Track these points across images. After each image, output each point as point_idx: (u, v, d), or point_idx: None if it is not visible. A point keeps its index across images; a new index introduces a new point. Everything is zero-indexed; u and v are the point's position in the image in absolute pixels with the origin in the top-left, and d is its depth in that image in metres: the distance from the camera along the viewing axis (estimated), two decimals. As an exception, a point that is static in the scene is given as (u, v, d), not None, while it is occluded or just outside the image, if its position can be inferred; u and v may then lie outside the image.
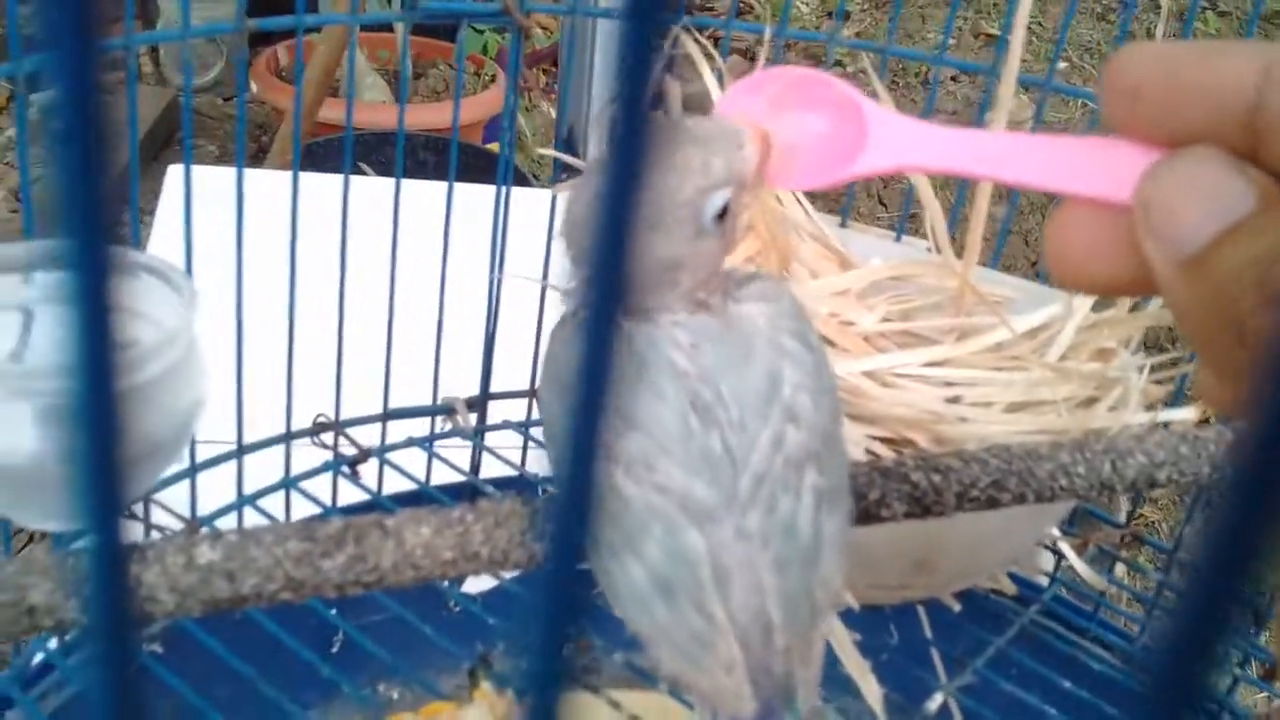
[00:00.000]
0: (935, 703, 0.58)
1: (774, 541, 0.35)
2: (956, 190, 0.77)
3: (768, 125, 0.35)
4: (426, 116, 2.06)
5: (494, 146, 2.19)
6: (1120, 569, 0.77)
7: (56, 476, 0.45)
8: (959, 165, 0.30)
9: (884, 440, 0.60)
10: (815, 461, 0.36)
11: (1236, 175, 0.21)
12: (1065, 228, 0.24)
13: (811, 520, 0.36)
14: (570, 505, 0.12)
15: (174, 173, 1.34)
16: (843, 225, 0.74)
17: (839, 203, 0.78)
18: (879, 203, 2.73)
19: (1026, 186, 0.27)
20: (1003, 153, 0.27)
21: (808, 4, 3.58)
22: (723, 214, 0.36)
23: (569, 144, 1.70)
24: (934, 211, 0.69)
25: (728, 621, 0.35)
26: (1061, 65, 2.86)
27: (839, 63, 3.32)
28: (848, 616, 0.59)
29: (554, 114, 2.49)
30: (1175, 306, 0.22)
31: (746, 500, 0.35)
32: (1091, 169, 0.24)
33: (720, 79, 0.69)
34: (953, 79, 3.19)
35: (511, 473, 0.74)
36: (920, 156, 0.31)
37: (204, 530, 0.64)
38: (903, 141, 0.31)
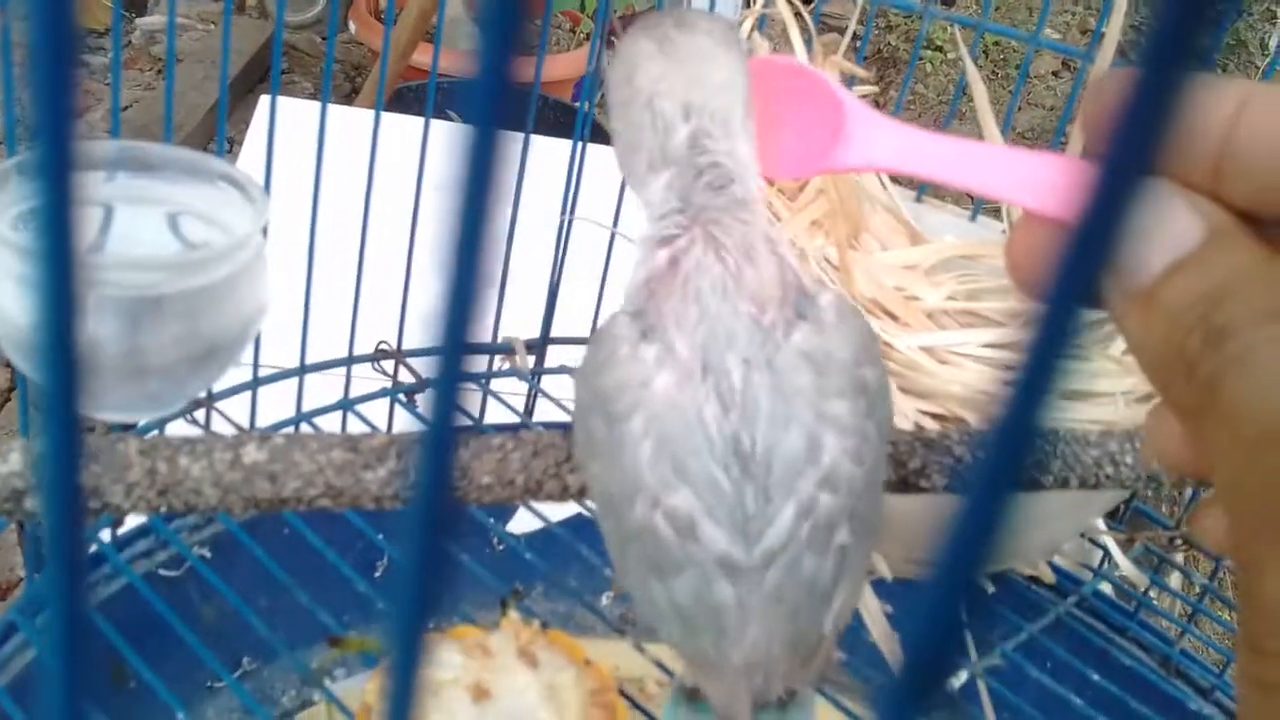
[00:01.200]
0: (959, 679, 0.58)
1: (789, 595, 0.35)
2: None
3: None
4: (519, 70, 2.06)
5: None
6: (1176, 578, 0.76)
7: (120, 366, 0.46)
8: (927, 170, 0.30)
9: (935, 416, 0.60)
10: (848, 519, 0.36)
11: (1186, 208, 0.21)
12: (1024, 239, 0.24)
13: (833, 575, 0.36)
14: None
15: (264, 103, 1.37)
16: (918, 199, 0.74)
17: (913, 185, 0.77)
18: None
19: (990, 196, 0.27)
20: (973, 161, 0.27)
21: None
22: None
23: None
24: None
25: (740, 662, 0.36)
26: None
27: (938, 47, 3.26)
28: (880, 587, 0.59)
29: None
30: (1128, 338, 0.22)
31: (763, 563, 0.35)
32: (1057, 186, 0.24)
33: (809, 44, 0.69)
34: (1054, 74, 3.13)
35: (565, 418, 0.75)
36: (891, 158, 0.31)
37: (250, 432, 0.65)
38: (878, 141, 0.32)
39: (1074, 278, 0.11)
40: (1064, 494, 0.51)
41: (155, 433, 0.59)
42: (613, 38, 0.71)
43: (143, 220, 0.51)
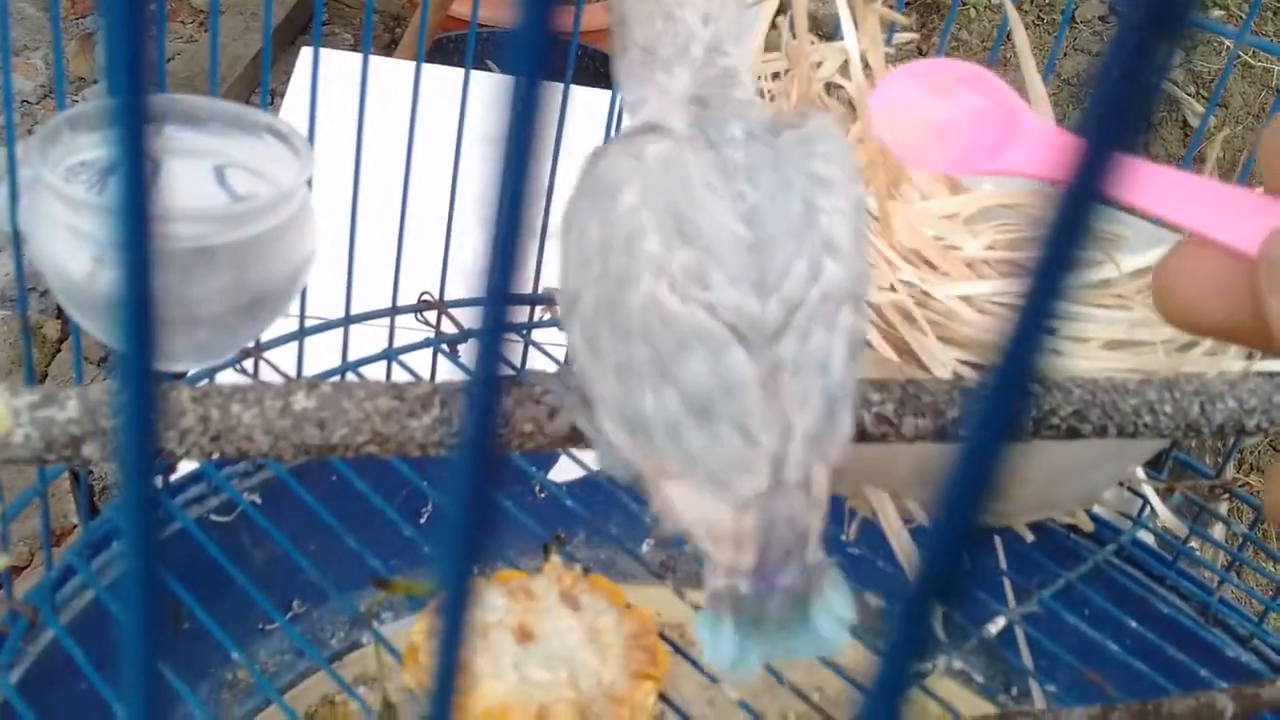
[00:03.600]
0: (997, 626, 0.59)
1: (805, 373, 0.33)
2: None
3: (924, 108, 0.36)
4: (561, 19, 2.06)
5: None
6: (1218, 528, 0.76)
7: (170, 316, 0.48)
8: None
9: (973, 365, 0.60)
10: (853, 304, 0.35)
11: None
12: (1178, 265, 0.24)
13: (844, 364, 0.34)
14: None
15: (305, 55, 1.37)
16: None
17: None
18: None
19: (1156, 217, 0.27)
20: (1139, 182, 0.27)
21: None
22: None
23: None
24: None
25: (775, 446, 0.33)
26: None
27: (971, 4, 3.19)
28: (918, 534, 0.59)
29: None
30: None
31: (778, 326, 0.33)
32: (1221, 213, 0.24)
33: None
34: (1100, 18, 3.08)
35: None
36: (1060, 169, 0.31)
37: (300, 380, 0.67)
38: (1048, 151, 0.32)
39: (1074, 224, 0.11)
40: (1102, 442, 0.51)
41: (206, 381, 0.60)
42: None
43: (191, 173, 0.52)
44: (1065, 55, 2.65)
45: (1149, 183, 0.28)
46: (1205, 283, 0.24)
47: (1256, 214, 0.24)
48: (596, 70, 1.83)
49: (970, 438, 0.12)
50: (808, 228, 0.34)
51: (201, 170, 0.52)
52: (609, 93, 0.73)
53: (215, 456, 0.45)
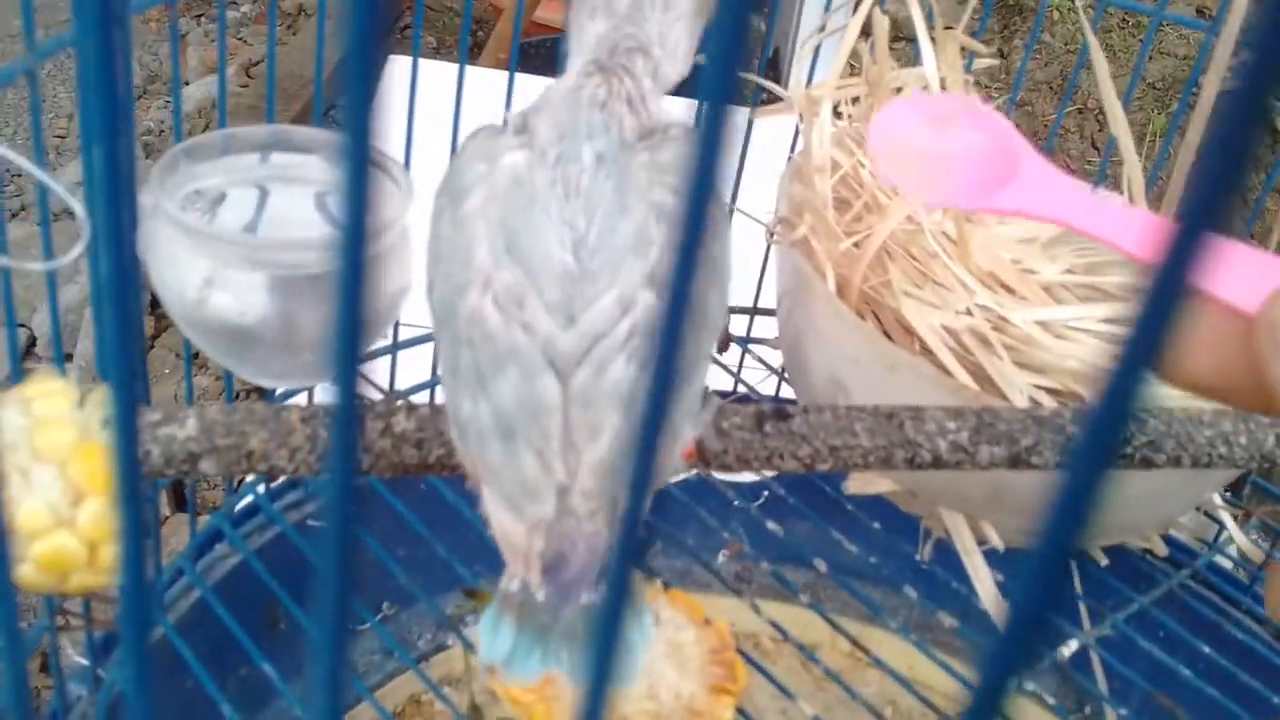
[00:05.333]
0: (1070, 649, 0.60)
1: (596, 406, 0.34)
2: (1161, 146, 0.75)
3: (923, 141, 0.37)
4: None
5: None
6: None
7: (275, 339, 0.50)
8: (1088, 227, 0.31)
9: (1050, 391, 0.61)
10: None
11: None
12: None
13: None
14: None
15: (399, 64, 1.41)
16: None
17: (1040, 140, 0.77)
18: (1091, 145, 2.63)
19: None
20: (1132, 229, 0.28)
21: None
22: None
23: (774, 64, 1.70)
24: (1132, 166, 0.69)
25: (564, 476, 0.33)
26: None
27: (1055, 6, 3.16)
28: (991, 557, 0.60)
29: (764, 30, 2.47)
30: None
31: (578, 357, 0.34)
32: (1221, 270, 0.25)
33: (930, 16, 0.69)
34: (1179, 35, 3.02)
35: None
36: (1057, 209, 0.32)
37: (399, 402, 0.69)
38: (1047, 190, 0.33)
39: (1182, 264, 0.12)
40: (1178, 471, 0.52)
41: (315, 401, 0.63)
42: None
43: (294, 200, 0.55)
44: (1151, 59, 2.61)
45: (1138, 230, 0.28)
46: (1201, 339, 0.24)
47: (1258, 272, 0.24)
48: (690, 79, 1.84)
49: (1072, 467, 0.13)
50: (634, 259, 0.35)
51: (304, 197, 0.55)
52: (693, 103, 0.74)
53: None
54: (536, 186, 0.35)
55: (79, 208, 0.38)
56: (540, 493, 0.34)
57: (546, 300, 0.34)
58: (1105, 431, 0.12)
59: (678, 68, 0.39)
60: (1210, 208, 0.11)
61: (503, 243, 0.35)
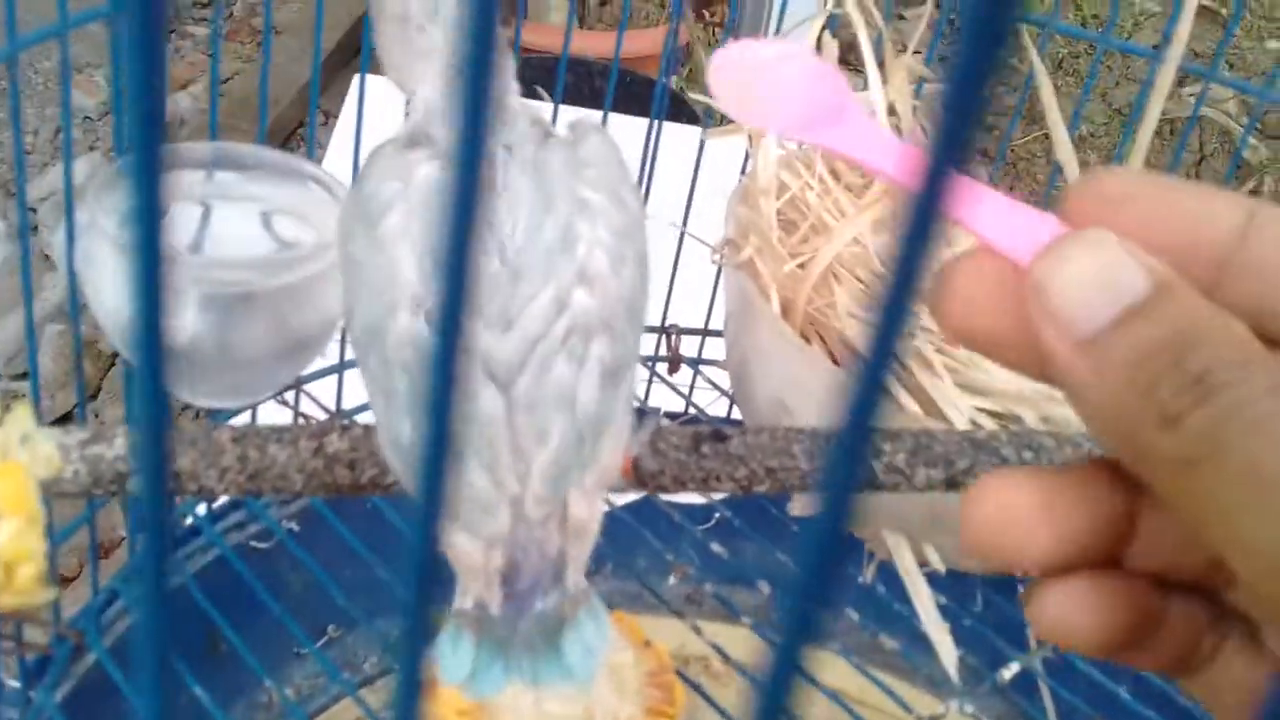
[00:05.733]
0: (1010, 671, 0.60)
1: (542, 408, 0.33)
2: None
3: (763, 73, 0.38)
4: (606, 44, 2.09)
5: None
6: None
7: (209, 358, 0.50)
8: (898, 175, 0.31)
9: (991, 414, 0.61)
10: (608, 332, 0.34)
11: (1131, 260, 0.21)
12: (962, 269, 0.24)
13: (596, 395, 0.34)
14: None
15: (356, 82, 1.41)
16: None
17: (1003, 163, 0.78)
18: (1059, 170, 2.66)
19: (969, 230, 0.27)
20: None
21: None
22: None
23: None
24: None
25: (516, 487, 0.33)
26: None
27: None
28: (934, 580, 0.60)
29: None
30: (1073, 387, 0.22)
31: (518, 362, 0.33)
32: (1012, 225, 0.24)
33: (879, 44, 0.70)
34: (1154, 47, 3.06)
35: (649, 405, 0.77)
36: (871, 154, 0.32)
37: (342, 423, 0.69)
38: (868, 137, 0.33)
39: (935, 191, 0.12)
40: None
41: (247, 420, 0.62)
42: (701, 9, 0.72)
43: (239, 218, 0.55)
44: (1118, 85, 2.64)
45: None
46: (977, 293, 0.24)
47: (1033, 227, 0.24)
48: (649, 99, 1.85)
49: (844, 407, 0.13)
50: (562, 257, 0.34)
51: (250, 215, 0.55)
52: (646, 120, 0.75)
53: (252, 493, 0.47)
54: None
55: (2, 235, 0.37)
56: (494, 508, 0.33)
57: (482, 314, 0.34)
58: (875, 368, 0.13)
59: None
60: (959, 132, 0.12)
61: (430, 260, 0.35)
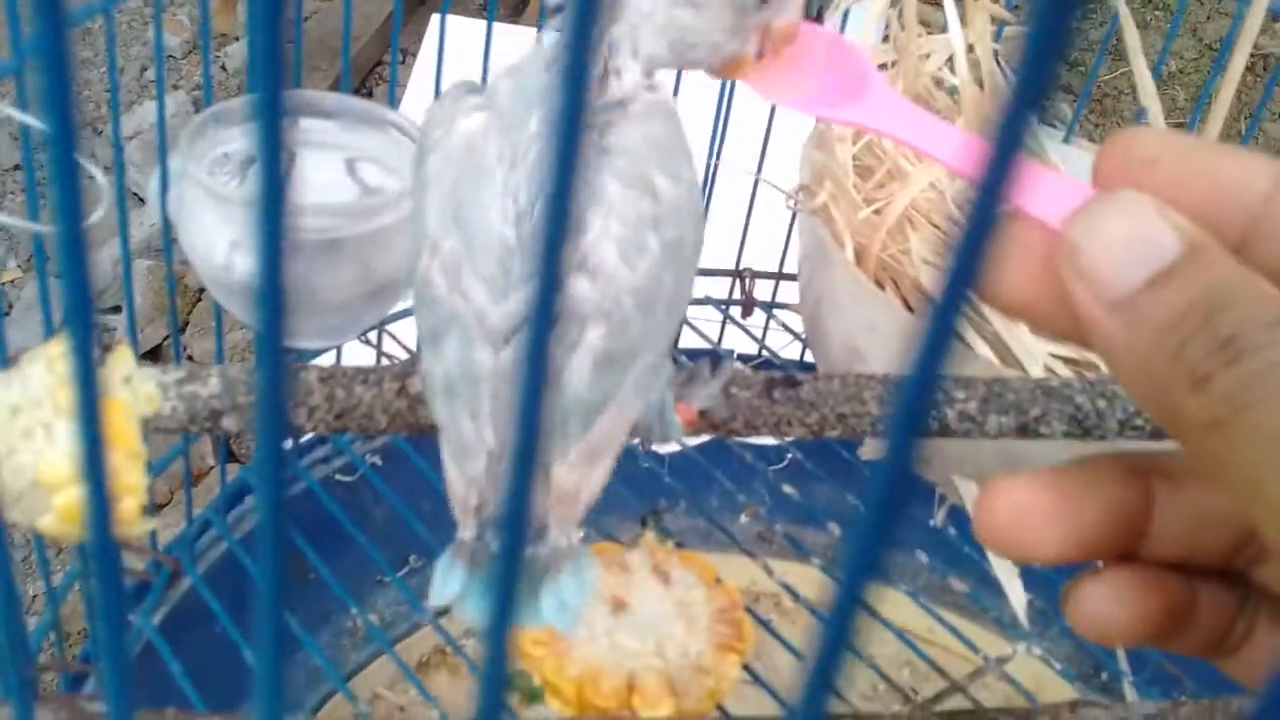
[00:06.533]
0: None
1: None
2: (1192, 114, 0.75)
3: (787, 54, 0.38)
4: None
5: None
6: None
7: (296, 302, 0.52)
8: (924, 146, 0.32)
9: (1067, 360, 0.61)
10: (606, 321, 0.35)
11: (1163, 221, 0.21)
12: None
13: (587, 381, 0.35)
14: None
15: (435, 22, 1.42)
16: (1065, 141, 0.74)
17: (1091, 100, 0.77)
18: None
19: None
20: (967, 150, 0.28)
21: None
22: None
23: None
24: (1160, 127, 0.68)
25: (492, 439, 0.35)
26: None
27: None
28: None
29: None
30: (1108, 349, 0.22)
31: (508, 330, 0.35)
32: (1045, 190, 0.24)
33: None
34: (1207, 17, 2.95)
35: (702, 345, 0.78)
36: (898, 128, 0.33)
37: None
38: (892, 110, 0.34)
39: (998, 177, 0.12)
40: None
41: (332, 359, 0.64)
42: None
43: (324, 164, 0.56)
44: (1209, 19, 2.56)
45: (969, 152, 0.29)
46: (1020, 256, 0.24)
47: (1067, 193, 0.24)
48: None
49: (908, 373, 0.14)
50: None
51: (334, 162, 0.56)
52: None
53: (338, 431, 0.49)
54: (487, 154, 0.36)
55: (98, 174, 0.39)
56: (474, 451, 0.36)
57: (481, 273, 0.35)
58: (935, 341, 0.13)
59: (663, 44, 0.37)
60: (1036, 82, 0.12)
61: (450, 210, 0.36)
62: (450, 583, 0.35)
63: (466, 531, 0.36)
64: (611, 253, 0.35)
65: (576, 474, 0.36)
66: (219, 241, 0.51)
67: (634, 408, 0.37)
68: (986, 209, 0.13)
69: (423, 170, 0.37)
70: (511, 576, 0.15)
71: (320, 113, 0.57)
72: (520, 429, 0.14)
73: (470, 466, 0.36)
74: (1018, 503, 0.24)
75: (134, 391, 0.40)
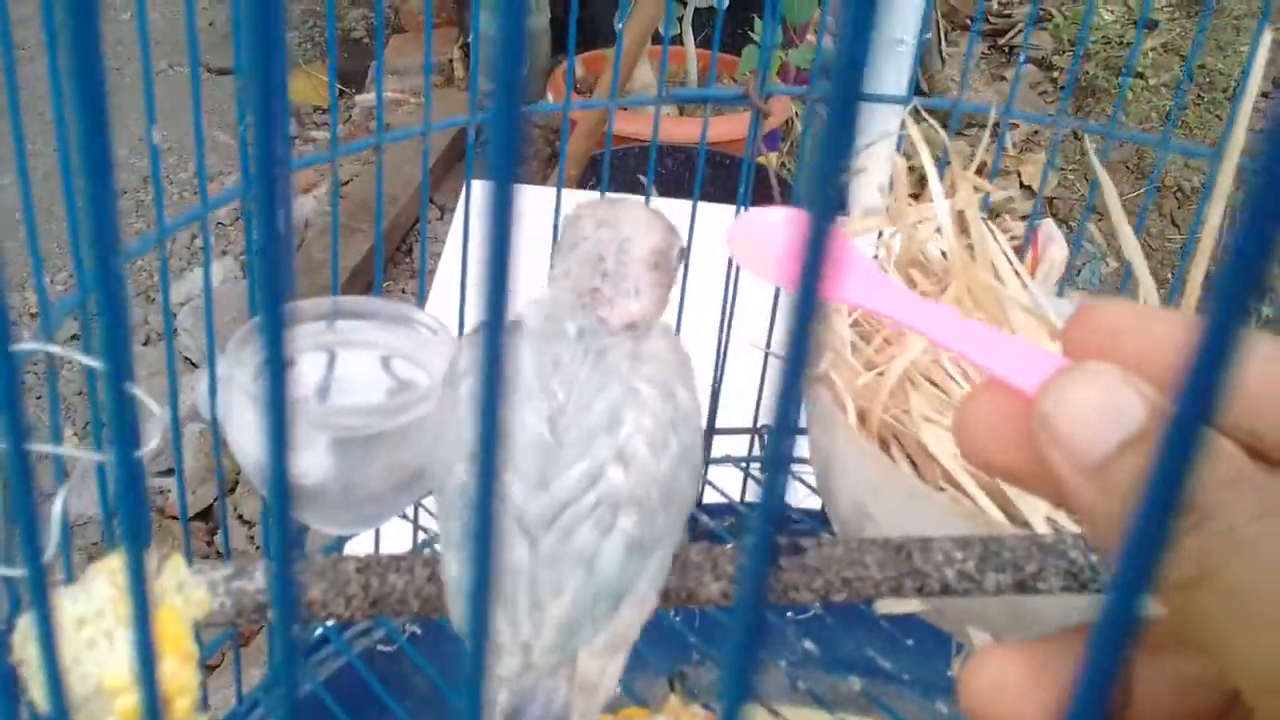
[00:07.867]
0: None
1: (562, 565, 0.37)
2: (1178, 270, 0.78)
3: (773, 234, 0.42)
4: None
5: (767, 158, 2.26)
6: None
7: (335, 495, 0.56)
8: (914, 324, 0.34)
9: (1066, 516, 0.64)
10: (638, 509, 0.38)
11: (1130, 390, 0.23)
12: (976, 403, 0.25)
13: (619, 564, 0.37)
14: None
15: (474, 186, 1.48)
16: (1059, 294, 0.78)
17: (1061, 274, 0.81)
18: (1171, 222, 2.63)
19: (954, 353, 0.29)
20: (937, 320, 0.31)
21: (1112, 12, 3.46)
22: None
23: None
24: (1147, 286, 0.72)
25: (529, 634, 0.37)
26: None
27: (1140, 74, 3.17)
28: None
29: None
30: (1083, 510, 0.23)
31: (546, 520, 0.37)
32: (1018, 360, 0.26)
33: (942, 165, 0.73)
34: (1263, 94, 3.01)
35: (724, 501, 0.81)
36: (878, 303, 0.36)
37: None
38: (878, 289, 0.37)
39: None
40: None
41: (371, 537, 0.68)
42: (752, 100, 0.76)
43: (360, 362, 0.61)
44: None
45: (942, 321, 0.31)
46: (995, 423, 0.25)
47: (1040, 362, 0.25)
48: (727, 183, 1.90)
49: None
50: (605, 435, 0.38)
51: (370, 359, 0.61)
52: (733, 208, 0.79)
53: (376, 616, 0.52)
54: (523, 367, 0.39)
55: (153, 405, 0.44)
56: (505, 651, 0.38)
57: (521, 470, 0.38)
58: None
59: (640, 306, 0.43)
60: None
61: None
62: None
63: None
64: (643, 446, 0.38)
65: (599, 661, 0.38)
66: (262, 442, 0.56)
67: (650, 601, 0.40)
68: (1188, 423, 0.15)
69: (456, 392, 0.41)
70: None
71: (357, 315, 0.62)
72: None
73: (498, 665, 0.38)
74: (996, 675, 0.25)
75: (186, 598, 0.44)
